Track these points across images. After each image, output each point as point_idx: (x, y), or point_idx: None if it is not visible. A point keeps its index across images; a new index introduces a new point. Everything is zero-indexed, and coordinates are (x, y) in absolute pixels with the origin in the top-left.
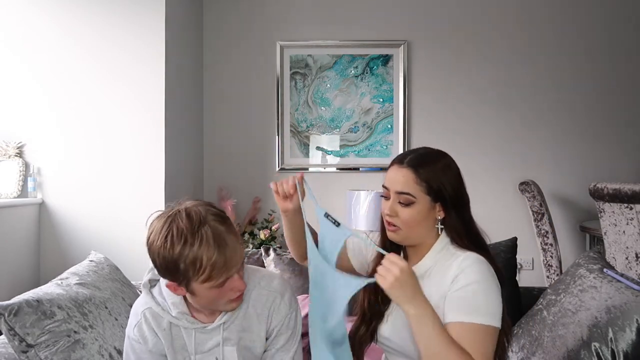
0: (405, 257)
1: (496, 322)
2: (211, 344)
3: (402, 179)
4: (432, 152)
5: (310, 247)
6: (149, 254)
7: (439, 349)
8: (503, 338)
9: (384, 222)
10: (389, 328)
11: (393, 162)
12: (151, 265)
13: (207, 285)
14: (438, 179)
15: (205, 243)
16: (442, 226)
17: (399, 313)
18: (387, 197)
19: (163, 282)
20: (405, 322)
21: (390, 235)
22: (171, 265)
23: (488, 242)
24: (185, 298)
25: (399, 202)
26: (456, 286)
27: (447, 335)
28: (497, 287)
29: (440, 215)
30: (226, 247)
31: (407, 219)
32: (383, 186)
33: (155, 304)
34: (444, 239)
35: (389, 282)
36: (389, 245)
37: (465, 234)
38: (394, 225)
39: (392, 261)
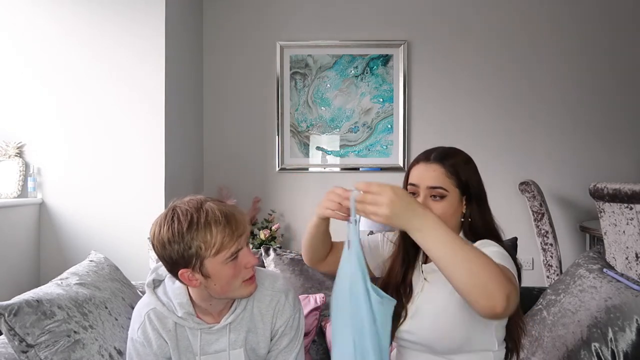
0: (425, 255)
1: (517, 278)
2: (217, 346)
3: (433, 173)
4: (452, 149)
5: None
6: (158, 252)
7: (459, 251)
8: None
9: None
10: (409, 320)
11: (417, 161)
12: (154, 266)
13: (220, 258)
14: (464, 172)
15: (211, 214)
16: (470, 219)
17: (421, 302)
18: (414, 195)
19: (168, 282)
20: (428, 310)
21: None
22: (183, 249)
23: (503, 238)
24: (191, 299)
25: (431, 197)
26: None
27: (463, 240)
28: (513, 262)
29: (464, 209)
30: (231, 215)
31: (441, 213)
32: (410, 184)
33: (161, 304)
34: (463, 237)
35: (385, 212)
36: (409, 244)
37: (484, 227)
38: None
39: (378, 188)
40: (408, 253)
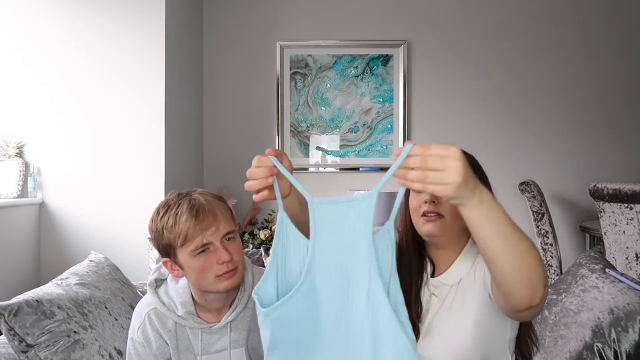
0: (432, 266)
1: None
2: (218, 345)
3: None
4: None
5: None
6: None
7: (514, 235)
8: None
9: (419, 216)
10: (422, 341)
11: None
12: (157, 265)
13: (186, 250)
14: (473, 168)
15: (181, 207)
16: None
17: (431, 321)
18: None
19: (171, 281)
20: (440, 330)
21: (428, 228)
22: (159, 236)
23: None
24: (193, 298)
25: None
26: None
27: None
28: None
29: None
30: (200, 208)
31: (452, 209)
32: None
33: (161, 304)
34: (473, 244)
35: (456, 178)
36: (412, 251)
37: None
38: (435, 214)
39: (441, 149)
40: (411, 263)
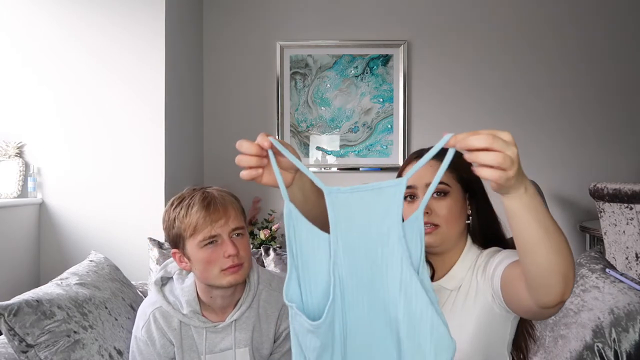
0: (431, 270)
1: None
2: (223, 345)
3: (430, 169)
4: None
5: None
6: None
7: (552, 224)
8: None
9: None
10: None
11: (409, 161)
12: (163, 263)
13: (195, 241)
14: (463, 167)
15: (194, 199)
16: (469, 221)
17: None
18: (412, 197)
19: (177, 280)
20: (458, 326)
21: (425, 240)
22: (170, 227)
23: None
24: (199, 297)
25: (433, 195)
26: (485, 260)
27: None
28: None
29: (469, 210)
30: (211, 201)
31: (447, 212)
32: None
33: (167, 302)
34: (471, 246)
35: (515, 168)
36: None
37: (492, 230)
38: (431, 225)
39: (503, 136)
40: None
